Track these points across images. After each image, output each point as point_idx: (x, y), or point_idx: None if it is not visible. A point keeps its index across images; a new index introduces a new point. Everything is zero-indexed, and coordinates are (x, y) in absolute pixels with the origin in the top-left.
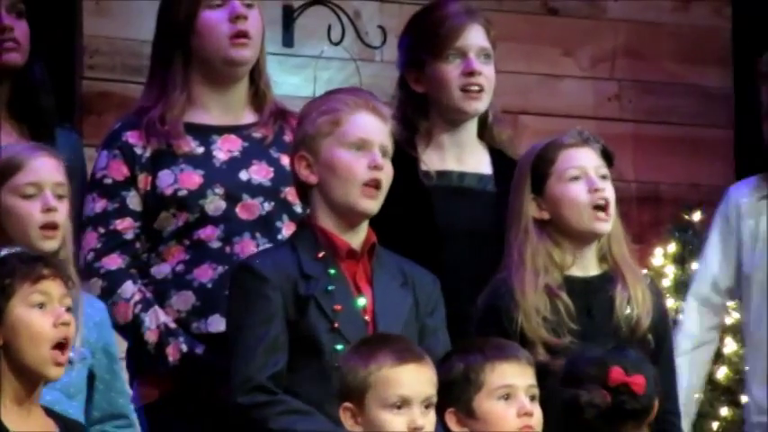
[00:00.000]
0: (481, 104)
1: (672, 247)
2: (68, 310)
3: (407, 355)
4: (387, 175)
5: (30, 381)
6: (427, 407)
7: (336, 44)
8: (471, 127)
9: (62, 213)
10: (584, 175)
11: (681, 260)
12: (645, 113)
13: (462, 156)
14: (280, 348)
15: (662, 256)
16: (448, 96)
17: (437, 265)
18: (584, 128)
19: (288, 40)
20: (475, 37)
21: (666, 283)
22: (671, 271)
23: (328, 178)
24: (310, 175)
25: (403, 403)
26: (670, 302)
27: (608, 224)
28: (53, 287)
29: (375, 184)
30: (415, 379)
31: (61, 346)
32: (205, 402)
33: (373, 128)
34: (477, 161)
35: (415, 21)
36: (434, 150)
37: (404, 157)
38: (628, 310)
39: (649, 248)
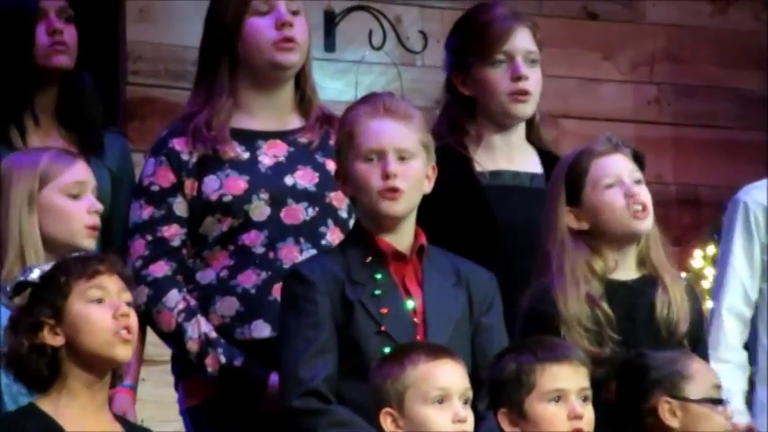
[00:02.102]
0: (529, 108)
1: (711, 250)
2: (128, 305)
3: (440, 352)
4: (405, 177)
5: (100, 371)
6: (465, 402)
7: (378, 49)
8: (520, 128)
9: (100, 219)
10: (619, 182)
11: None
12: (684, 116)
13: (513, 156)
14: (330, 351)
15: (701, 258)
16: (495, 101)
17: (495, 260)
18: (622, 132)
19: (329, 45)
20: (522, 40)
21: (706, 285)
22: (710, 273)
23: (355, 190)
24: (346, 189)
25: (444, 397)
26: (709, 304)
27: (647, 223)
28: (110, 282)
29: (392, 191)
30: (453, 373)
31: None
32: (246, 409)
33: (384, 134)
34: (528, 161)
35: (461, 23)
36: (485, 152)
37: (458, 157)
38: (667, 314)
39: (689, 251)
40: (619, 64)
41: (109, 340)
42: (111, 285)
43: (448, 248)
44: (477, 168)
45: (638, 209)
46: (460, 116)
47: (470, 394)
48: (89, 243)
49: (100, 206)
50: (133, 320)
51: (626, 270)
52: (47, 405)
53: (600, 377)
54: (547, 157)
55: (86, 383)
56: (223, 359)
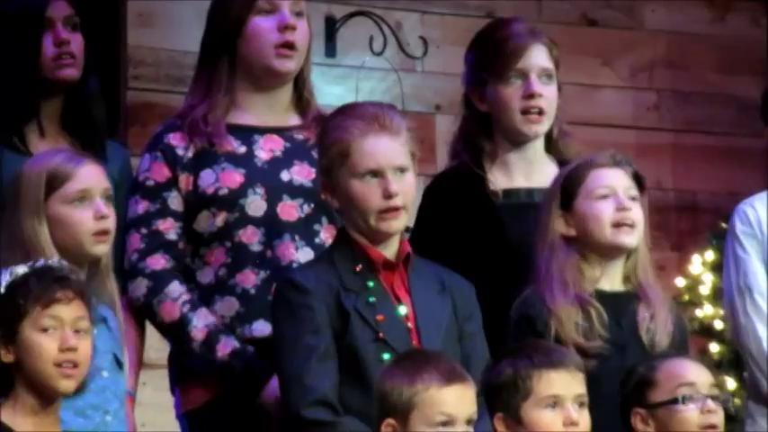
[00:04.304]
0: (541, 127)
1: (710, 255)
2: (81, 331)
3: (453, 376)
4: (405, 193)
5: (44, 396)
6: (468, 424)
7: (378, 54)
8: (538, 143)
9: (112, 219)
10: (613, 194)
11: (719, 268)
12: (683, 123)
13: (530, 172)
14: (331, 358)
15: (700, 263)
16: (508, 118)
17: (510, 281)
18: (621, 138)
19: (330, 51)
20: (536, 57)
21: (704, 290)
22: (708, 279)
23: (347, 207)
24: (333, 201)
25: (447, 423)
26: (708, 310)
27: (632, 237)
28: (65, 311)
29: (394, 210)
30: (461, 399)
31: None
32: (246, 409)
33: (383, 152)
34: (546, 176)
35: (479, 38)
36: (501, 169)
37: (471, 176)
38: (650, 331)
39: (687, 256)
40: (618, 70)
41: (50, 372)
42: (65, 314)
43: (461, 270)
44: (491, 187)
45: (626, 223)
46: (476, 132)
47: (476, 417)
48: (100, 249)
49: (106, 211)
50: (81, 353)
51: (611, 282)
52: (4, 414)
53: (590, 371)
54: None
55: (34, 405)
56: (237, 344)
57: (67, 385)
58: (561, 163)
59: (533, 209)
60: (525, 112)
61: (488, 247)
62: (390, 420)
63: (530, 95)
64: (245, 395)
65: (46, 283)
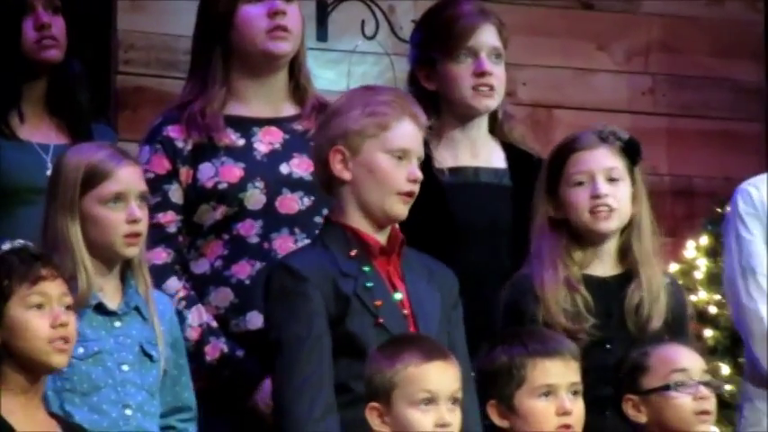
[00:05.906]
0: (492, 102)
1: (704, 240)
2: (68, 308)
3: (434, 353)
4: (419, 183)
5: (32, 374)
6: (453, 403)
7: (370, 39)
8: (482, 123)
9: (145, 222)
10: (590, 180)
11: (713, 253)
12: (679, 107)
13: (476, 151)
14: (326, 352)
15: (694, 249)
16: (459, 95)
17: (456, 261)
18: (616, 123)
19: (322, 35)
20: (487, 37)
21: (699, 275)
22: (703, 264)
23: (365, 179)
24: (344, 171)
25: (430, 400)
26: (702, 295)
27: (610, 222)
28: (52, 287)
29: (409, 196)
30: (442, 376)
31: (62, 340)
32: (235, 404)
33: (414, 137)
34: (491, 155)
35: (428, 18)
36: (447, 147)
37: None
38: (636, 312)
39: (682, 241)
40: (614, 54)
41: (44, 349)
42: (52, 291)
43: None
44: (437, 165)
45: (602, 210)
46: (424, 111)
47: (460, 395)
48: (130, 251)
49: (139, 214)
50: (71, 329)
51: (603, 265)
52: None
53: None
54: (512, 151)
55: (24, 384)
56: (225, 348)
57: (61, 360)
58: (505, 145)
59: (479, 187)
60: (476, 88)
61: (433, 224)
62: (374, 403)
63: (481, 74)
64: (234, 398)
65: (29, 261)
